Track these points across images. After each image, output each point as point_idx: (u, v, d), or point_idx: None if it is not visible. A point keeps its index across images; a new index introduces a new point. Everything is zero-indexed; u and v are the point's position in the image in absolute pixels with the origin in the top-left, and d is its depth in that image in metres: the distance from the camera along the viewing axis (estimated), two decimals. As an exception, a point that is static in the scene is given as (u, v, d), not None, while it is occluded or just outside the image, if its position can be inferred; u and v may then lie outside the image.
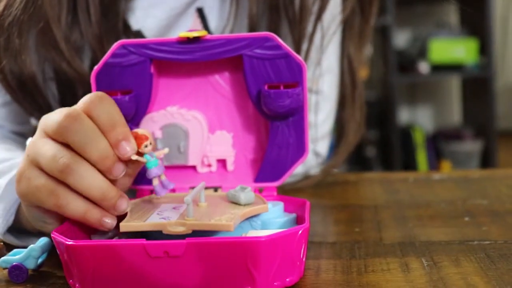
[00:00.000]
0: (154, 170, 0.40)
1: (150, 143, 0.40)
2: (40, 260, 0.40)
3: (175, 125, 0.47)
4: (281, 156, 0.46)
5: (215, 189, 0.46)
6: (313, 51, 0.61)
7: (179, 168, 0.48)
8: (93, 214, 0.39)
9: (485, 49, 2.43)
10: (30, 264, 0.40)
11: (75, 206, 0.38)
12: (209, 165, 0.48)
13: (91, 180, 0.38)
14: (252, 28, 0.58)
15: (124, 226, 0.38)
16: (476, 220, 0.49)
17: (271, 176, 0.46)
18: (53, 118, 0.39)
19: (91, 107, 0.39)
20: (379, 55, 2.68)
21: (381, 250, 0.43)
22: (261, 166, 0.46)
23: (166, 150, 0.41)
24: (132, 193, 0.46)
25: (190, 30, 0.44)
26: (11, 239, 0.46)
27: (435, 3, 2.81)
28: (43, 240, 0.40)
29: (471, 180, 0.63)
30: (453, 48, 2.46)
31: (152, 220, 0.38)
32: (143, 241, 0.35)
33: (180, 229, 0.37)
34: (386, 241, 0.45)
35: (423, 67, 2.46)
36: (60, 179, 0.38)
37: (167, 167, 0.48)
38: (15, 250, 0.41)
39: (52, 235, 0.38)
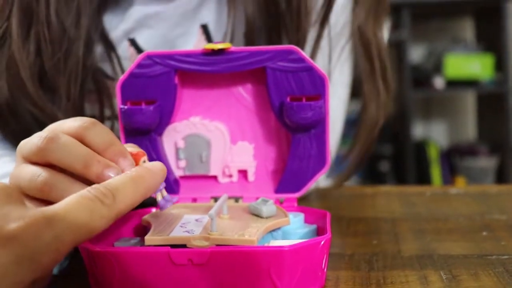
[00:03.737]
0: None
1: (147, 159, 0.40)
2: (62, 265, 0.41)
3: (198, 135, 0.48)
4: (302, 168, 0.46)
5: (236, 200, 0.47)
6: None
7: (201, 178, 0.49)
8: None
9: (501, 65, 2.42)
10: (54, 269, 0.40)
11: None
12: (230, 175, 0.49)
13: (73, 191, 0.35)
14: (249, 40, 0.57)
15: (149, 239, 0.39)
16: (495, 234, 0.49)
17: (292, 187, 0.47)
18: (32, 142, 0.38)
19: (84, 131, 0.38)
20: (394, 70, 2.69)
21: (400, 262, 0.43)
22: (282, 177, 0.47)
23: None
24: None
25: (215, 42, 0.45)
26: None
27: (451, 18, 2.81)
28: None
29: (489, 195, 0.63)
30: (468, 64, 2.46)
31: (176, 233, 0.39)
32: (167, 248, 0.36)
33: (204, 244, 0.37)
34: (404, 253, 0.45)
35: (438, 82, 2.46)
36: (43, 199, 0.37)
37: (190, 177, 0.49)
38: None
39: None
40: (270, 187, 0.48)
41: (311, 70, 0.44)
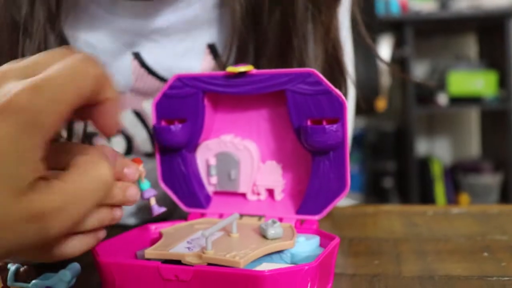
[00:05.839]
0: (149, 191, 0.43)
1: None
2: (70, 284, 0.41)
3: (228, 154, 0.49)
4: (323, 190, 0.46)
5: (259, 218, 0.48)
6: None
7: (231, 194, 0.50)
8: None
9: (504, 82, 2.43)
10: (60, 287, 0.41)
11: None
12: (258, 194, 0.50)
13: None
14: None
15: (148, 253, 0.40)
16: (495, 255, 0.49)
17: (313, 209, 0.47)
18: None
19: None
20: (397, 86, 2.70)
21: (400, 283, 0.43)
22: (303, 199, 0.47)
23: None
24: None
25: (237, 65, 0.46)
26: None
27: (454, 35, 2.83)
28: (73, 265, 0.42)
29: (490, 215, 0.63)
30: (472, 81, 2.47)
31: (178, 249, 0.40)
32: (158, 263, 0.37)
33: (197, 261, 0.38)
34: (406, 274, 0.45)
35: (442, 99, 2.47)
36: None
37: (220, 193, 0.50)
38: (45, 274, 0.42)
39: (92, 250, 0.40)
40: (294, 208, 0.48)
41: (329, 94, 0.44)
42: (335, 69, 0.59)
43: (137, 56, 0.59)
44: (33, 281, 0.41)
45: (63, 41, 0.57)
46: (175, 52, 0.60)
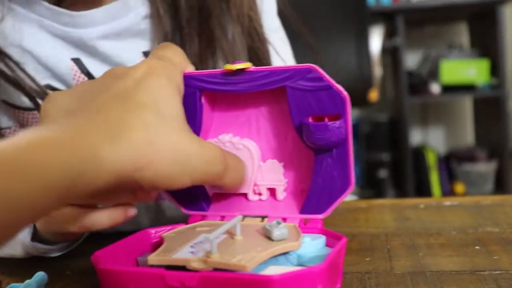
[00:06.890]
0: None
1: None
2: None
3: None
4: (326, 188, 0.45)
5: (262, 219, 0.46)
6: None
7: (231, 196, 0.49)
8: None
9: (496, 69, 2.43)
10: None
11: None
12: (260, 194, 0.48)
13: None
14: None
15: (152, 259, 0.39)
16: (487, 248, 0.49)
17: (316, 208, 0.45)
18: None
19: None
20: (390, 76, 2.69)
21: (392, 280, 0.43)
22: (306, 198, 0.46)
23: None
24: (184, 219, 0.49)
25: (234, 63, 0.45)
26: (39, 246, 0.48)
27: (446, 23, 2.82)
28: (39, 275, 0.41)
29: (482, 207, 0.63)
30: (464, 69, 2.47)
31: (182, 254, 0.39)
32: (162, 270, 0.36)
33: (202, 267, 0.37)
34: (397, 270, 0.45)
35: (435, 88, 2.46)
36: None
37: (220, 194, 0.49)
38: (12, 285, 0.42)
39: (91, 258, 0.39)
40: (297, 207, 0.47)
41: (330, 89, 0.43)
42: (255, 40, 0.62)
43: (77, 62, 0.58)
44: None
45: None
46: (112, 61, 0.59)
